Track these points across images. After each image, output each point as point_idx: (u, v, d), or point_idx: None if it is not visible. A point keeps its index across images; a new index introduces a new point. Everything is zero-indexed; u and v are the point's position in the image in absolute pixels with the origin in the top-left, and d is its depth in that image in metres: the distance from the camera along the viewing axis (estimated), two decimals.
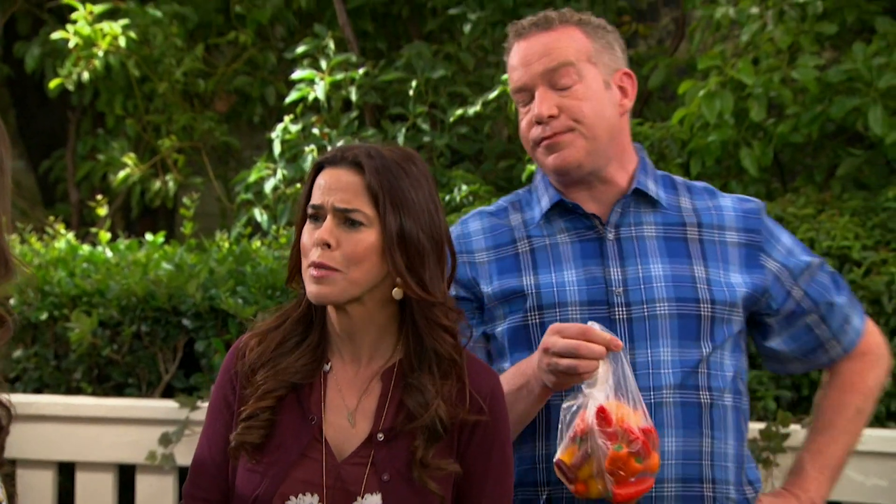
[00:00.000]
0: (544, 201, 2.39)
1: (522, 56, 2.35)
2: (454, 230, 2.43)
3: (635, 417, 2.07)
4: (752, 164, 4.44)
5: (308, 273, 1.99)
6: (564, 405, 2.13)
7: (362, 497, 1.98)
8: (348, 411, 2.04)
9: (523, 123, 2.36)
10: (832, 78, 4.38)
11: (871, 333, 2.52)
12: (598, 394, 2.08)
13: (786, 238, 2.46)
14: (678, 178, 2.46)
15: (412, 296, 1.99)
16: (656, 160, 4.41)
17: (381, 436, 2.00)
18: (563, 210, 2.38)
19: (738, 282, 2.35)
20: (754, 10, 4.65)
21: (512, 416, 2.17)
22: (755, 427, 3.59)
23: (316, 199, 2.00)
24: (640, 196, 2.37)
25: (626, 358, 2.13)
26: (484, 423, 2.03)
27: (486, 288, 2.37)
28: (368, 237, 1.96)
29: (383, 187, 1.96)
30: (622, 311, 2.30)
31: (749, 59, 4.51)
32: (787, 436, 3.52)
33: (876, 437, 3.49)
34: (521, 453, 2.29)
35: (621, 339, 2.19)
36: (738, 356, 2.38)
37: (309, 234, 2.00)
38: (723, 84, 4.41)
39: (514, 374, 2.25)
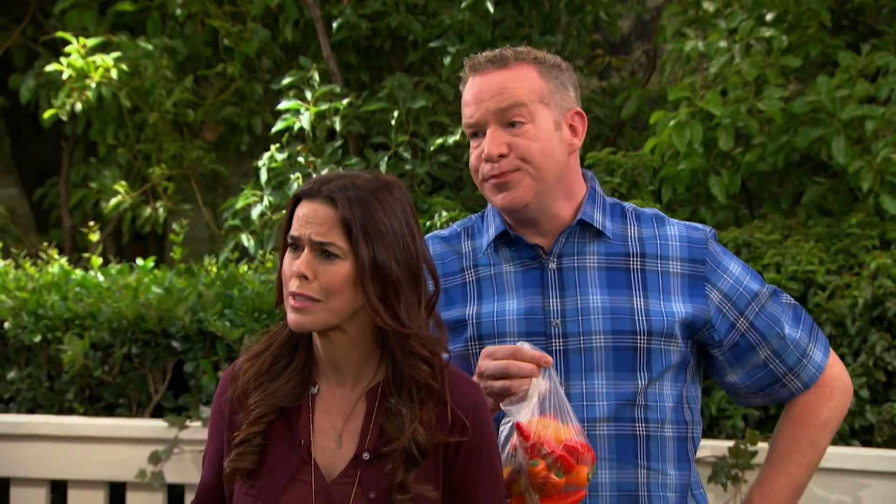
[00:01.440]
0: (491, 230, 2.37)
1: (476, 92, 2.31)
2: None
3: (564, 431, 2.08)
4: (720, 192, 4.50)
5: (288, 303, 2.03)
6: (501, 425, 2.12)
7: None
8: (336, 433, 2.07)
9: (473, 157, 2.33)
10: (797, 109, 4.45)
11: (831, 366, 2.44)
12: (525, 411, 2.09)
13: (735, 267, 2.38)
14: (629, 206, 2.41)
15: (386, 328, 2.02)
16: (629, 187, 4.44)
17: (366, 455, 2.04)
18: (508, 240, 2.36)
19: (677, 311, 2.30)
20: (722, 43, 4.72)
21: None
22: (724, 445, 3.67)
23: (294, 230, 2.04)
24: (585, 227, 2.34)
25: (557, 373, 2.14)
26: (468, 439, 2.04)
27: None
28: (343, 269, 2.00)
29: (356, 220, 1.99)
30: (559, 342, 2.28)
31: (717, 90, 4.57)
32: (754, 453, 3.60)
33: (840, 455, 3.58)
34: None
35: (557, 371, 2.21)
36: (681, 385, 2.34)
37: (289, 262, 2.04)
38: (692, 114, 4.48)
39: None
